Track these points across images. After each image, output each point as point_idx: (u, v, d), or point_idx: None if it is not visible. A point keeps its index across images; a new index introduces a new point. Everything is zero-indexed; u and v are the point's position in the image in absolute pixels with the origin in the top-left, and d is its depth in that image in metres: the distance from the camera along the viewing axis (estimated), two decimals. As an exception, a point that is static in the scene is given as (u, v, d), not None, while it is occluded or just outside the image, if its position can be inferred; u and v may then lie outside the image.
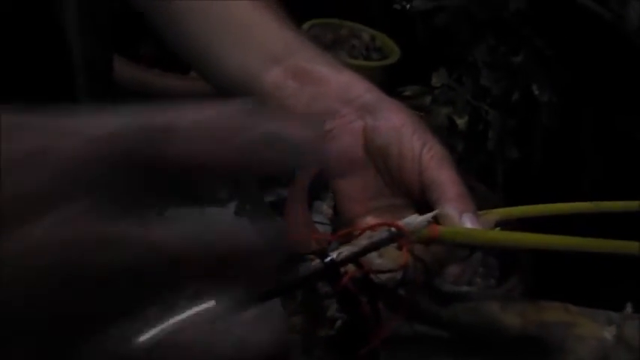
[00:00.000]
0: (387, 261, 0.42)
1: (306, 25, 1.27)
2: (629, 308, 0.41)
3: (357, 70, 0.56)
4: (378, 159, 0.52)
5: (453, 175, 0.49)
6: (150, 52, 1.27)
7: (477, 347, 0.43)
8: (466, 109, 0.98)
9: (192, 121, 0.28)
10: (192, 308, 0.27)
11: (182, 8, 0.59)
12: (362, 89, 0.54)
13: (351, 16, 1.33)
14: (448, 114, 0.99)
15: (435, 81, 0.99)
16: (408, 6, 1.09)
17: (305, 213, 0.88)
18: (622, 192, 0.49)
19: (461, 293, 0.44)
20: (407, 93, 1.02)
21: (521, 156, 0.99)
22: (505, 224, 0.48)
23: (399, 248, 0.42)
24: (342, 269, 0.39)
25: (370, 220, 0.51)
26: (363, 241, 0.40)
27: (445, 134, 0.98)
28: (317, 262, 0.38)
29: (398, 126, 0.52)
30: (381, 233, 0.41)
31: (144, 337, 0.27)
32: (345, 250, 0.39)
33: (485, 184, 0.97)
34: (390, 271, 0.42)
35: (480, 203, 0.48)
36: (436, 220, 0.45)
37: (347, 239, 0.41)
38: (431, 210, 0.46)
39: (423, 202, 0.49)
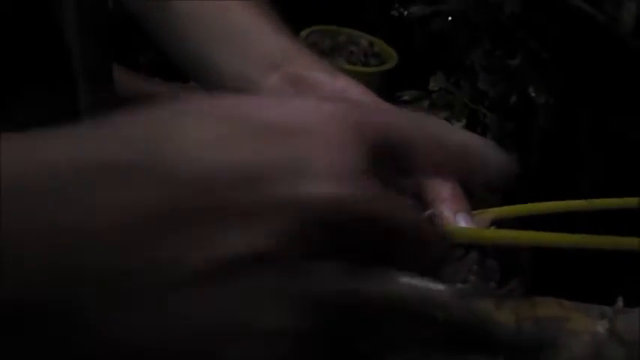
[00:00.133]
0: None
1: (304, 32, 1.28)
2: (620, 302, 0.42)
3: (356, 75, 0.57)
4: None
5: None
6: (149, 61, 1.28)
7: (473, 346, 0.44)
8: (464, 113, 0.99)
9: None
10: None
11: (181, 16, 0.60)
12: (358, 94, 0.55)
13: (349, 23, 1.33)
14: (446, 118, 0.99)
15: (433, 85, 1.00)
16: (405, 13, 1.10)
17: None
18: (620, 192, 0.50)
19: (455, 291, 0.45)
20: (405, 98, 1.03)
21: (519, 158, 0.99)
22: (500, 224, 0.48)
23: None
24: None
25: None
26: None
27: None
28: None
29: None
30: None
31: None
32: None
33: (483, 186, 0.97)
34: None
35: (478, 205, 0.49)
36: (431, 220, 0.46)
37: None
38: (425, 210, 0.47)
39: (417, 203, 0.50)
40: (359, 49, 1.29)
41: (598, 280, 0.73)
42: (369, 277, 0.27)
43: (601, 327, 0.40)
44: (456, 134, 0.31)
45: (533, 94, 0.96)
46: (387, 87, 1.10)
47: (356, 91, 0.55)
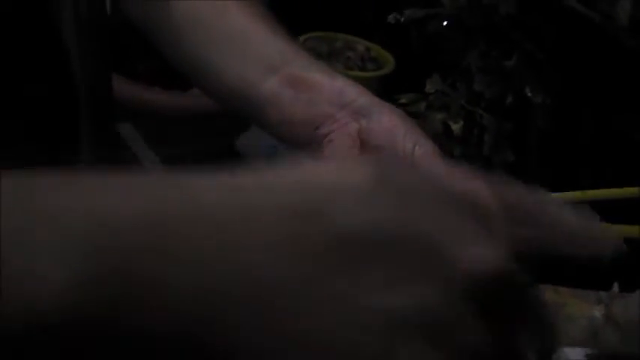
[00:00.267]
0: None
1: (301, 39, 1.29)
2: (615, 287, 0.43)
3: (354, 81, 0.58)
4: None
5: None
6: (149, 70, 1.29)
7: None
8: (461, 114, 0.99)
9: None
10: None
11: (179, 19, 0.60)
12: (355, 94, 0.56)
13: (345, 29, 1.35)
14: (443, 119, 1.00)
15: (429, 87, 1.00)
16: (402, 19, 1.11)
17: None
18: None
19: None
20: (402, 101, 1.03)
21: (517, 158, 1.00)
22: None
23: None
24: None
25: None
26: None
27: (441, 140, 0.99)
28: None
29: (390, 127, 0.54)
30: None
31: None
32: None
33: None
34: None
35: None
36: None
37: None
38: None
39: None
40: (356, 54, 1.30)
41: (593, 266, 0.73)
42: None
43: (597, 312, 0.40)
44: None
45: (529, 95, 0.97)
46: (385, 91, 1.10)
47: (354, 91, 0.56)
